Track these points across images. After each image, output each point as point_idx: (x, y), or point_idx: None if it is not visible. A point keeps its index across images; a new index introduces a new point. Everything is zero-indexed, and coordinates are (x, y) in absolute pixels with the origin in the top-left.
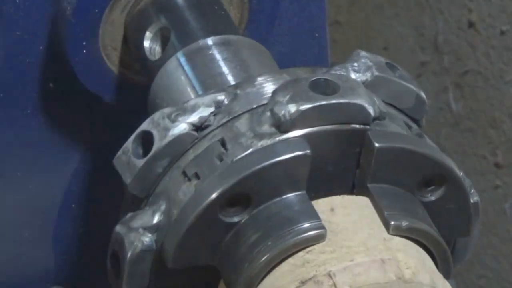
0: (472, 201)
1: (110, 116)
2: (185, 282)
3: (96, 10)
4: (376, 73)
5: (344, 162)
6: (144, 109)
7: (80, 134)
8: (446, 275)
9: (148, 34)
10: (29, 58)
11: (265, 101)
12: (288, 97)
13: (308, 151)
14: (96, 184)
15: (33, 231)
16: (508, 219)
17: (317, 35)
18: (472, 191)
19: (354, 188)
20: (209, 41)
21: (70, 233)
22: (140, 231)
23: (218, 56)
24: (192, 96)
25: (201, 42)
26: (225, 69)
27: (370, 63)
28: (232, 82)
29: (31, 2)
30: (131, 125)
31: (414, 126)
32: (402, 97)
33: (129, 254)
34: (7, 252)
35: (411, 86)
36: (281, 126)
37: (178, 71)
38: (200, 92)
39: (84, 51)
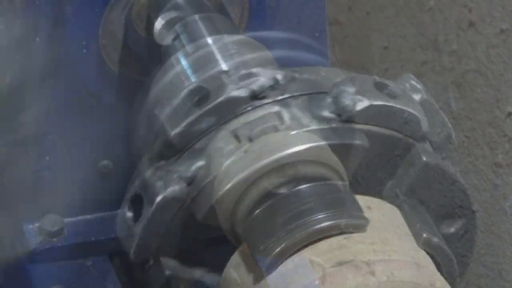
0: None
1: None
2: (199, 238)
3: (96, 10)
4: (425, 97)
5: (382, 167)
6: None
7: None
8: (449, 279)
9: (160, 19)
10: (29, 58)
11: (324, 90)
12: (355, 89)
13: (367, 144)
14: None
15: None
16: (508, 218)
17: (317, 34)
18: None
19: (382, 195)
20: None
21: None
22: (176, 179)
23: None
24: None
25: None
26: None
27: (419, 87)
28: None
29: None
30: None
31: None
32: (435, 125)
33: (159, 198)
34: None
35: (446, 119)
36: (343, 114)
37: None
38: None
39: (84, 51)
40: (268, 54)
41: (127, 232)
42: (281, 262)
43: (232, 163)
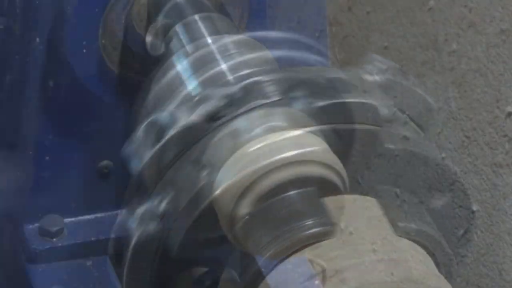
0: (474, 209)
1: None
2: (185, 272)
3: (96, 10)
4: (389, 77)
5: (354, 161)
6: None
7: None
8: (448, 279)
9: (148, 33)
10: (29, 58)
11: (277, 97)
12: (303, 93)
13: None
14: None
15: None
16: (508, 218)
17: (317, 34)
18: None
19: (361, 188)
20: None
21: None
22: (146, 219)
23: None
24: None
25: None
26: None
27: (384, 66)
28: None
29: (31, 2)
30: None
31: (421, 132)
32: (412, 103)
33: (133, 241)
34: None
35: (423, 94)
36: (295, 121)
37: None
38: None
39: (84, 51)
40: (268, 54)
41: (115, 279)
42: (278, 264)
43: (195, 194)
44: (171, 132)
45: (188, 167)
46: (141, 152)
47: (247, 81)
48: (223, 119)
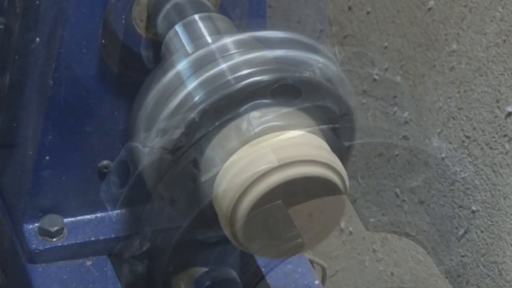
0: (460, 176)
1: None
2: (185, 272)
3: (96, 10)
4: (343, 67)
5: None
6: None
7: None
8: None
9: (143, 41)
10: (29, 58)
11: (232, 115)
12: (250, 108)
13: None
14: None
15: None
16: (508, 218)
17: (317, 34)
18: (466, 164)
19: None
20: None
21: None
22: (131, 261)
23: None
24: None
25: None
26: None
27: (337, 56)
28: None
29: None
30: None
31: (398, 112)
32: (377, 85)
33: (123, 285)
34: None
35: (385, 74)
36: (247, 139)
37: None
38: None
39: (84, 51)
40: (268, 54)
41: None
42: (277, 263)
43: (165, 231)
44: (134, 172)
45: (158, 203)
46: (113, 196)
47: (201, 106)
48: (183, 149)
